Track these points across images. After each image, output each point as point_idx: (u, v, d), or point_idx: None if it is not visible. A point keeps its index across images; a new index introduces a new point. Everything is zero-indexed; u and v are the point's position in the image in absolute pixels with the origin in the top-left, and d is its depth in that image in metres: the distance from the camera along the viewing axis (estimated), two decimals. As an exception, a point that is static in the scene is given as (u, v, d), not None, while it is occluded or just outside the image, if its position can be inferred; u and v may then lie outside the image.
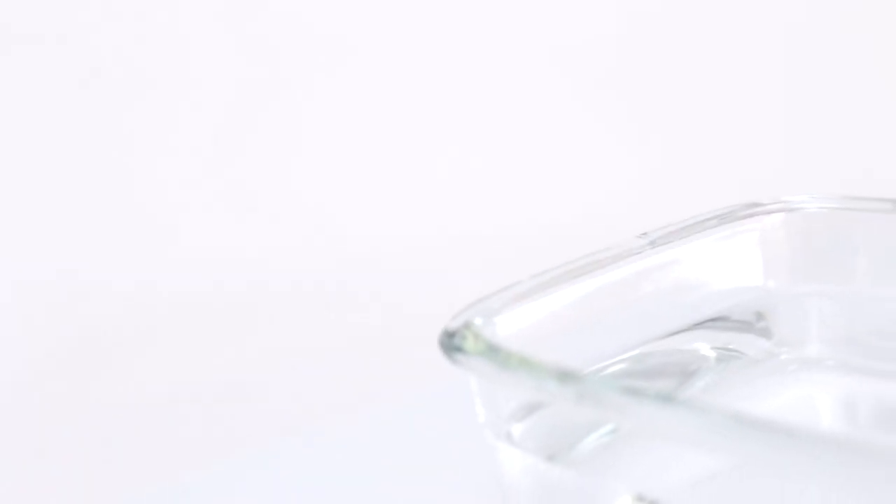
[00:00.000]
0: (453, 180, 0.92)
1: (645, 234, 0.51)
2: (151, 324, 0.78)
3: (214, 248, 0.85)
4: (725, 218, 0.50)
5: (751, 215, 0.50)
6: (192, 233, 0.86)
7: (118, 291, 0.80)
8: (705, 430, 0.34)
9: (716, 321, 0.51)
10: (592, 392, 0.36)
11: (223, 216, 0.87)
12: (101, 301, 0.79)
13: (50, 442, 0.65)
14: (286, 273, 0.83)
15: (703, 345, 0.51)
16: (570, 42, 0.95)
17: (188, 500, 0.57)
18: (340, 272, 0.83)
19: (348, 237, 0.87)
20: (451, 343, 0.39)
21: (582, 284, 0.47)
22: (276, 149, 0.92)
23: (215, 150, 0.90)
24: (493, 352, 0.38)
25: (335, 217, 0.89)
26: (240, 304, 0.80)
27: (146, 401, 0.69)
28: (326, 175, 0.92)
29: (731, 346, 0.50)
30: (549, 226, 0.83)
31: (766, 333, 0.51)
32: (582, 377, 0.37)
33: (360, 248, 0.86)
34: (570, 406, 0.37)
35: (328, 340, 0.73)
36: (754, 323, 0.51)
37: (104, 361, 0.73)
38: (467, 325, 0.40)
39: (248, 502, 0.55)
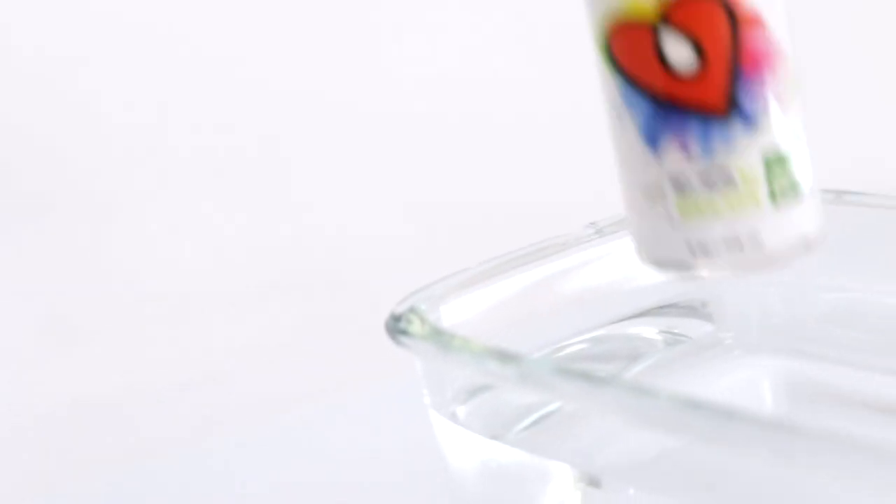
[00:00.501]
0: (413, 169, 0.94)
1: (593, 223, 0.52)
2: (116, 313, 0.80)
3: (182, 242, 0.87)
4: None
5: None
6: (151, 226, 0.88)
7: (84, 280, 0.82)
8: (637, 409, 0.36)
9: (663, 308, 0.52)
10: (531, 373, 0.38)
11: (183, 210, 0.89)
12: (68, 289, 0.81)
13: None
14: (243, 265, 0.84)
15: (651, 330, 0.52)
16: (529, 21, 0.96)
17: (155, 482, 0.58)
18: (301, 262, 0.84)
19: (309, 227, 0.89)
20: (396, 327, 0.40)
21: (531, 272, 0.49)
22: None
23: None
24: (437, 335, 0.40)
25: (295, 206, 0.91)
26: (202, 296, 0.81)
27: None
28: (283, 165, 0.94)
29: (677, 331, 0.52)
30: (502, 214, 0.85)
31: (711, 319, 0.52)
32: (521, 358, 0.38)
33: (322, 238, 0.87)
34: (511, 387, 0.39)
35: (293, 329, 0.75)
36: (700, 309, 0.52)
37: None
38: (413, 310, 0.41)
39: (217, 485, 0.57)
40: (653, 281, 0.52)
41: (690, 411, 0.35)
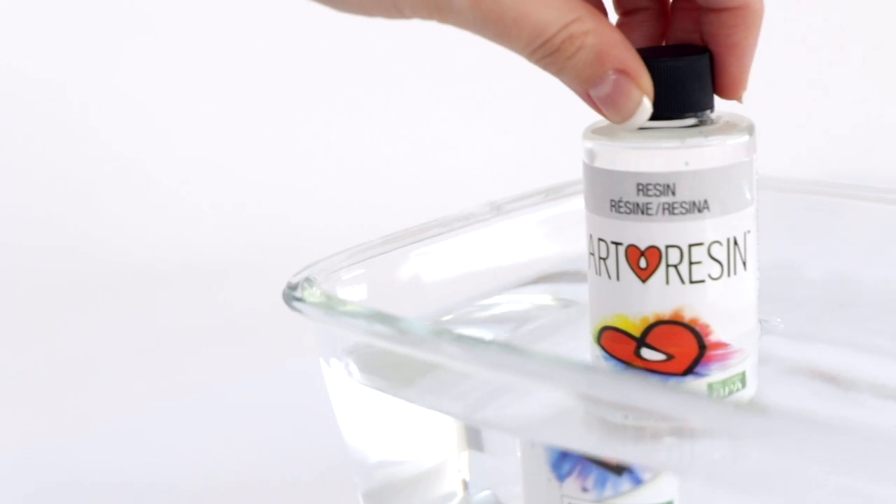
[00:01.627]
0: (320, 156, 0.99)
1: (492, 202, 0.58)
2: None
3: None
4: (560, 192, 0.58)
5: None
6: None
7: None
8: (507, 365, 0.41)
9: (555, 276, 0.58)
10: (410, 333, 0.43)
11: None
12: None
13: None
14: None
15: (545, 296, 0.58)
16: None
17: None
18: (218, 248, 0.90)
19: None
20: (291, 294, 0.46)
21: (430, 246, 0.54)
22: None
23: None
24: (327, 300, 0.45)
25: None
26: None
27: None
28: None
29: (566, 297, 0.57)
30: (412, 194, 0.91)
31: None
32: (400, 320, 0.43)
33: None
34: (395, 346, 0.44)
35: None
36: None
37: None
38: (307, 279, 0.47)
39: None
40: (547, 253, 0.57)
41: (560, 369, 0.40)
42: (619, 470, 0.41)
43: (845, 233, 0.59)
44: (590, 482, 0.42)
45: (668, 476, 0.42)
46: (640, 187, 0.44)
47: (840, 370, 0.52)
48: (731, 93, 0.45)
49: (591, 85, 0.42)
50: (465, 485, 0.48)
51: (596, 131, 0.46)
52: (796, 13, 1.10)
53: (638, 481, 0.41)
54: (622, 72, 0.42)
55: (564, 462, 0.42)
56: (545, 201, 0.58)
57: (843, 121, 1.10)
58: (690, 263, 0.44)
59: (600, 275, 0.46)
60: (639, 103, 0.42)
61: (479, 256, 0.56)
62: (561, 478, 0.42)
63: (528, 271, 0.57)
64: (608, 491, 0.42)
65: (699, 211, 0.44)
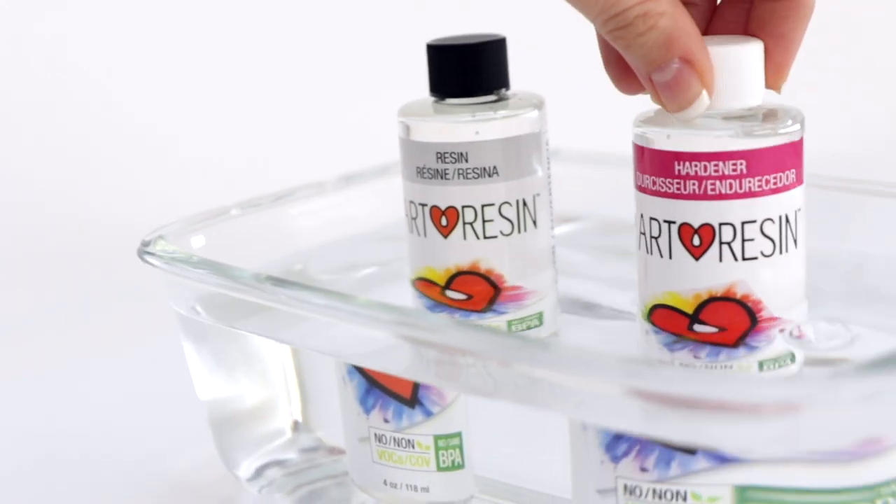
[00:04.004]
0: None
1: (345, 175, 0.65)
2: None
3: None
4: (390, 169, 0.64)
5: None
6: None
7: None
8: (326, 309, 0.47)
9: (390, 238, 0.64)
10: (244, 280, 0.50)
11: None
12: None
13: None
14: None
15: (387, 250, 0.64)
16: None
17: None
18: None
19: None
20: (144, 249, 0.53)
21: (280, 209, 0.61)
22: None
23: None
24: (174, 254, 0.52)
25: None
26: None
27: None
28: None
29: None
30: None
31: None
32: (237, 270, 0.50)
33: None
34: (233, 293, 0.51)
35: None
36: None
37: None
38: (160, 236, 0.54)
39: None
40: (390, 219, 0.64)
41: (380, 311, 0.46)
42: (412, 403, 0.48)
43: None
44: (389, 414, 0.48)
45: (456, 409, 0.48)
46: (439, 155, 0.51)
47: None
48: (771, 83, 0.45)
49: (654, 68, 0.42)
50: (296, 425, 0.55)
51: (406, 110, 0.53)
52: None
53: (429, 413, 0.48)
54: (687, 61, 0.41)
55: (369, 396, 0.49)
56: (385, 174, 0.64)
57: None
58: (484, 221, 0.51)
59: (412, 232, 0.53)
60: (697, 96, 0.42)
61: (325, 219, 0.62)
62: (366, 412, 0.49)
63: (369, 226, 0.63)
64: (405, 422, 0.48)
65: (489, 175, 0.51)
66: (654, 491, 0.41)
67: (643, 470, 0.41)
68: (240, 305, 0.51)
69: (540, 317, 0.53)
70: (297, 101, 1.08)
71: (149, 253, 0.52)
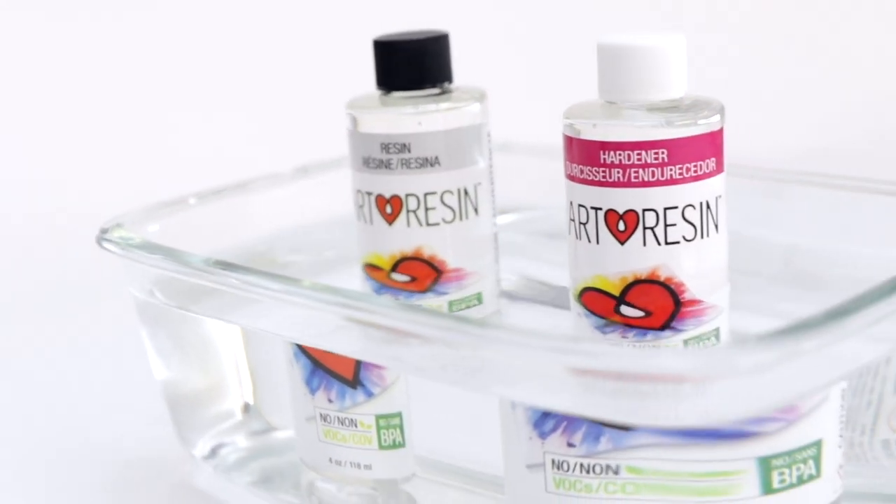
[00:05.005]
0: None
1: (301, 166, 0.67)
2: None
3: None
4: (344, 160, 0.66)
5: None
6: None
7: None
8: (273, 293, 0.50)
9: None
10: (194, 265, 0.52)
11: None
12: None
13: None
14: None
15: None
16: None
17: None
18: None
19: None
20: (102, 236, 0.55)
21: (238, 199, 0.63)
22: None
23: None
24: (131, 240, 0.54)
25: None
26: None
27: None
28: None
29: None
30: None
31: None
32: (188, 255, 0.52)
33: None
34: (185, 277, 0.53)
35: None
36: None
37: None
38: (118, 224, 0.56)
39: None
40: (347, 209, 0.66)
41: (328, 294, 0.49)
42: (354, 384, 0.50)
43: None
44: (333, 395, 0.50)
45: (396, 390, 0.50)
46: (384, 146, 0.53)
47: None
48: None
49: None
50: (247, 408, 0.58)
51: (354, 103, 0.55)
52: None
53: (370, 394, 0.50)
54: None
55: (314, 377, 0.51)
56: (340, 165, 0.66)
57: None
58: (427, 209, 0.53)
59: (360, 220, 0.55)
60: None
61: (280, 211, 0.65)
62: (312, 392, 0.51)
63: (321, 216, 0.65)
64: (348, 402, 0.50)
65: (431, 165, 0.53)
66: (582, 465, 0.43)
67: (570, 445, 0.43)
68: (194, 290, 0.53)
69: (479, 297, 0.55)
70: (257, 96, 1.11)
71: (107, 240, 0.55)
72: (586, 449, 0.42)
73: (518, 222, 0.69)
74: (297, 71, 1.12)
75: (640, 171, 0.46)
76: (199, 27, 1.13)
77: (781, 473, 0.42)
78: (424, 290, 0.54)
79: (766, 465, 0.42)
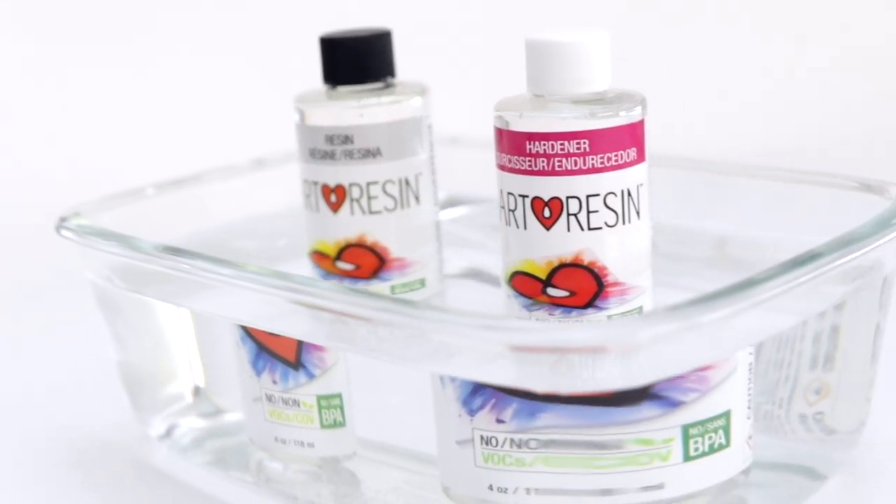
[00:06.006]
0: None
1: (257, 158, 0.69)
2: None
3: None
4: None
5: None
6: None
7: None
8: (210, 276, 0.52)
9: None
10: (145, 250, 0.54)
11: None
12: None
13: None
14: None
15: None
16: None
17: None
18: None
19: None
20: (61, 224, 0.58)
21: (195, 189, 0.66)
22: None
23: None
24: (87, 228, 0.57)
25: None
26: None
27: None
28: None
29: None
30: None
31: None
32: (140, 241, 0.54)
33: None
34: (138, 262, 0.55)
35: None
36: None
37: None
38: (77, 212, 0.58)
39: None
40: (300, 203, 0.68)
41: (273, 278, 0.51)
42: (296, 366, 0.52)
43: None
44: (277, 376, 0.53)
45: (336, 371, 0.52)
46: (328, 138, 0.56)
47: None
48: None
49: None
50: (197, 391, 0.60)
51: (301, 97, 0.57)
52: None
53: (311, 375, 0.52)
54: None
55: (259, 359, 0.53)
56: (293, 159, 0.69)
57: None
58: (369, 198, 0.56)
59: (307, 209, 0.58)
60: None
61: (238, 202, 0.67)
62: (257, 374, 0.53)
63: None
64: (290, 383, 0.53)
65: (374, 156, 0.56)
66: (513, 441, 0.46)
67: (500, 421, 0.45)
68: (149, 276, 0.56)
69: (423, 281, 0.57)
70: (216, 92, 1.14)
71: (65, 228, 0.57)
72: (516, 425, 0.45)
73: (471, 214, 0.71)
74: (256, 68, 1.15)
75: (564, 160, 0.48)
76: (160, 21, 1.16)
77: (696, 442, 0.45)
78: (368, 278, 0.57)
79: (686, 433, 0.44)
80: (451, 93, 0.80)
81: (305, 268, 0.59)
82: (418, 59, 0.76)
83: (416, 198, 0.57)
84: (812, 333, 0.52)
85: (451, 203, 0.71)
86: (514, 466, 0.46)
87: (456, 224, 0.69)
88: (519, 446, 0.46)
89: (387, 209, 0.56)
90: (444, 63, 0.98)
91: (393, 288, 0.57)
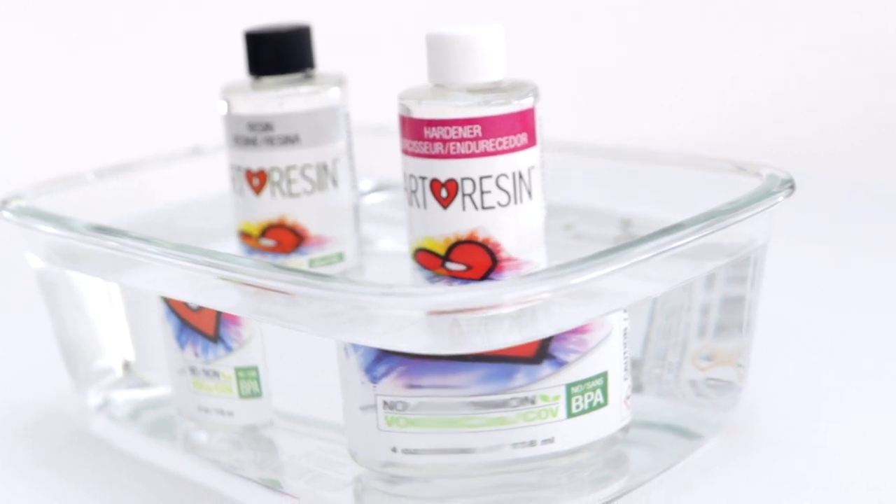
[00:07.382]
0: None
1: (194, 146, 0.73)
2: None
3: None
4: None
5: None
6: None
7: None
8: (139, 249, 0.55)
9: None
10: (77, 230, 0.57)
11: None
12: None
13: None
14: None
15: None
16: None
17: None
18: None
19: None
20: (3, 206, 0.61)
21: (133, 175, 0.70)
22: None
23: None
24: (26, 210, 0.61)
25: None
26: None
27: None
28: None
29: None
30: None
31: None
32: (73, 221, 0.58)
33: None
34: (71, 241, 0.59)
35: None
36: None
37: None
38: (17, 196, 0.62)
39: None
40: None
41: (194, 254, 0.54)
42: (215, 339, 0.56)
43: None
44: (199, 349, 0.57)
45: (252, 345, 0.55)
46: (250, 125, 0.60)
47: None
48: None
49: None
50: (127, 366, 0.64)
51: (228, 88, 0.61)
52: None
53: (229, 348, 0.56)
54: None
55: (182, 333, 0.57)
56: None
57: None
58: (289, 181, 0.60)
59: (234, 192, 0.62)
60: None
61: (176, 189, 0.71)
62: (181, 347, 0.57)
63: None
64: (210, 356, 0.56)
65: (293, 142, 0.60)
66: (422, 403, 0.50)
67: (411, 387, 0.49)
68: (86, 255, 0.59)
69: (341, 255, 0.61)
70: (158, 84, 1.18)
71: (6, 209, 0.61)
72: (424, 390, 0.49)
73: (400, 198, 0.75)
74: (194, 60, 1.18)
75: (458, 144, 0.52)
76: (102, 9, 1.19)
77: (577, 400, 0.49)
78: (289, 253, 0.61)
79: (569, 391, 0.49)
80: (377, 84, 0.84)
81: (234, 246, 0.63)
82: (355, 54, 0.80)
83: (335, 181, 0.61)
84: (699, 304, 0.56)
85: (381, 187, 0.75)
86: (412, 427, 0.49)
87: (385, 206, 0.74)
88: (421, 409, 0.49)
89: (305, 192, 0.60)
90: (387, 56, 1.02)
91: (311, 261, 0.61)
